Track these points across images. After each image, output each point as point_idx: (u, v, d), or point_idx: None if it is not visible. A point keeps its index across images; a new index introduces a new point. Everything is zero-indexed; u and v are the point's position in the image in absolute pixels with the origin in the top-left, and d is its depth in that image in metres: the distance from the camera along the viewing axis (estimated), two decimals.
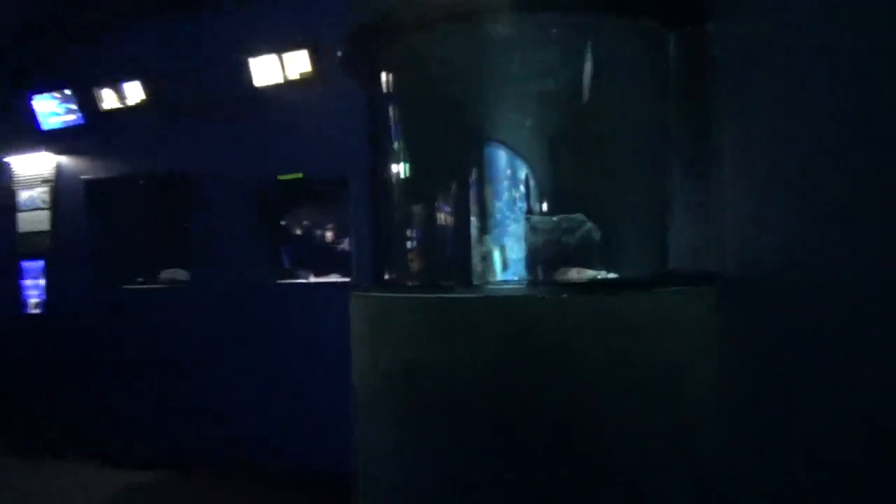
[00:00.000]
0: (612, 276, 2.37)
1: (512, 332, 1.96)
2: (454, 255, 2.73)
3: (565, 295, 2.08)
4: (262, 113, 4.52)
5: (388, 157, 2.84)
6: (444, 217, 2.78)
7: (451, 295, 2.18)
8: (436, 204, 2.77)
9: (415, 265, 2.89)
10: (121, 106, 5.04)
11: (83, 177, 5.35)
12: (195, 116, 4.77)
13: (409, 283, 2.84)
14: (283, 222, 4.94)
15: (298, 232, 5.02)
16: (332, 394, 3.98)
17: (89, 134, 5.26)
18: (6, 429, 5.60)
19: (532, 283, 2.50)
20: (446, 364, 2.02)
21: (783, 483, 1.96)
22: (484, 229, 2.62)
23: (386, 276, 3.06)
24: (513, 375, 1.96)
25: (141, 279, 5.30)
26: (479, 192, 2.64)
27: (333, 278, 4.79)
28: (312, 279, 4.75)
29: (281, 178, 4.48)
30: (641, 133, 2.54)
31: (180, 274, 5.20)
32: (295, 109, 4.43)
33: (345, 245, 4.68)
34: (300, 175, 4.41)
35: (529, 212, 2.61)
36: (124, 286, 5.21)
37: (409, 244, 2.89)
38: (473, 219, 2.61)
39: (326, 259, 5.01)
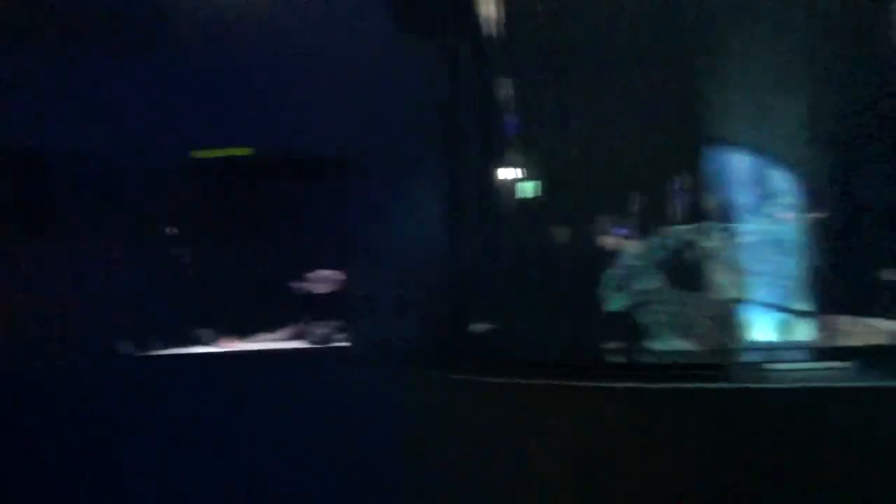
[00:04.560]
0: None
1: None
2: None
3: None
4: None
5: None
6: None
7: None
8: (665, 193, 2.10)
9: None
10: None
11: None
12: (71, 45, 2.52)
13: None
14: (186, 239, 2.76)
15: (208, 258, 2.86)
16: None
17: None
18: None
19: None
20: None
21: None
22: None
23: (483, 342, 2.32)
24: None
25: None
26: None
27: (263, 343, 2.76)
28: (221, 346, 2.65)
29: (196, 154, 2.40)
30: None
31: None
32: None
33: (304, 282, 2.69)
34: (244, 151, 2.37)
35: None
36: None
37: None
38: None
39: (241, 305, 2.93)
